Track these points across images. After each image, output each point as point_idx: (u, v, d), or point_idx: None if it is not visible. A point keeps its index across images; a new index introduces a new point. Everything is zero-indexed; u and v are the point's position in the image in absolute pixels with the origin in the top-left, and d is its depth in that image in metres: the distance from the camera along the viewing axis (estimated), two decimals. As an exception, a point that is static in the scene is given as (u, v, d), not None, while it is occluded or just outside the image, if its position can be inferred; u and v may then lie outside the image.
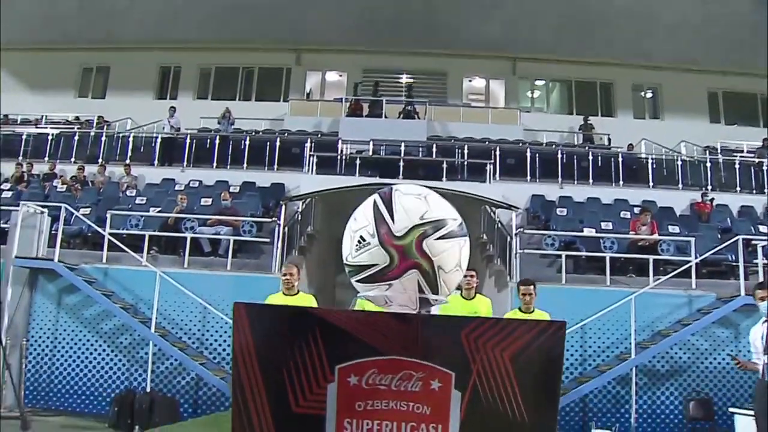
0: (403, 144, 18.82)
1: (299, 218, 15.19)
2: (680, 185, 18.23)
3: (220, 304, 12.17)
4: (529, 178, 18.14)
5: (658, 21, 21.90)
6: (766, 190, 17.91)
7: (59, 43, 23.47)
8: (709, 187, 17.87)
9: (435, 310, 2.22)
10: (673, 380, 11.78)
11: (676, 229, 14.69)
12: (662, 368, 11.80)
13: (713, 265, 13.44)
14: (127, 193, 16.64)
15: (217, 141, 18.93)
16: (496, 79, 24.53)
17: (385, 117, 21.35)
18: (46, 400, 11.96)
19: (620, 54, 22.85)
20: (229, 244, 13.25)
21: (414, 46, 23.16)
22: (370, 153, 18.69)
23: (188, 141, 18.99)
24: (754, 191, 18.15)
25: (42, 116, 21.94)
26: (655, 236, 13.42)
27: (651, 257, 12.74)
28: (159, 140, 19.27)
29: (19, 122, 21.68)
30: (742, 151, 20.66)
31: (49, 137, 19.77)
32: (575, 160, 18.64)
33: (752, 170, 18.62)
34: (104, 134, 20.05)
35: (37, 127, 20.89)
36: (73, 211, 13.74)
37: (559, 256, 13.10)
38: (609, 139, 21.41)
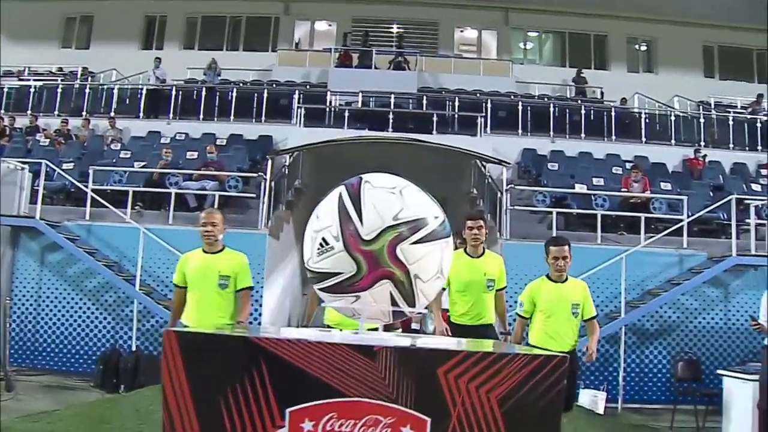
0: (392, 96, 18.48)
1: (286, 172, 14.93)
2: (673, 141, 18.01)
3: (207, 261, 11.96)
4: (520, 131, 17.87)
5: (654, -28, 21.46)
6: (760, 147, 17.72)
7: (41, -8, 22.83)
8: (702, 144, 17.66)
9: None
10: (662, 339, 11.73)
11: (668, 186, 14.52)
12: (651, 327, 11.74)
13: (704, 224, 13.29)
14: (112, 146, 16.27)
15: (204, 93, 18.51)
16: (488, 29, 24.05)
17: (375, 68, 20.93)
18: (30, 360, 11.81)
19: (615, 6, 22.42)
20: (214, 199, 13.01)
21: (405, -6, 22.69)
22: (360, 105, 18.36)
23: (174, 93, 18.57)
24: (747, 148, 17.93)
25: (24, 68, 21.34)
26: (647, 194, 13.26)
27: (643, 215, 12.59)
28: (144, 92, 18.81)
29: (0, 74, 21.13)
30: (735, 107, 20.39)
31: (32, 90, 19.25)
32: (567, 114, 18.37)
33: (745, 127, 18.37)
34: (88, 86, 19.50)
35: (19, 80, 20.36)
36: (55, 167, 13.43)
37: (550, 212, 12.95)
38: (602, 93, 21.11)
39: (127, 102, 19.06)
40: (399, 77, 20.41)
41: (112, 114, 18.04)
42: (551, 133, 17.70)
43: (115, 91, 19.23)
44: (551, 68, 23.24)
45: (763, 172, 16.54)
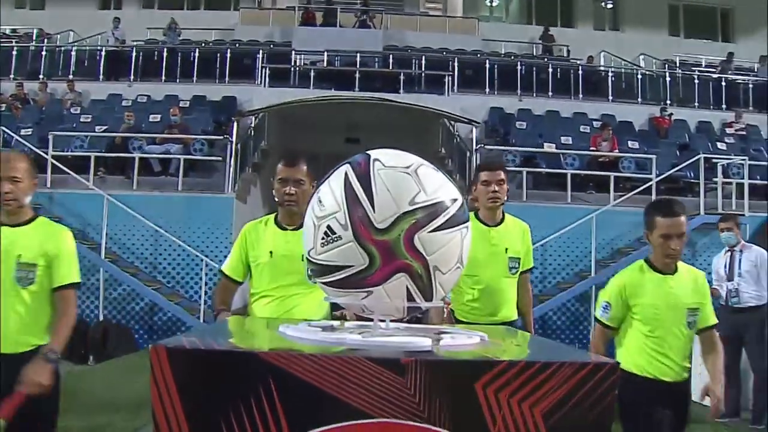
0: (358, 54, 18.21)
1: (252, 134, 14.69)
2: (639, 99, 18.01)
3: (173, 227, 11.79)
4: (487, 90, 17.70)
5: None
6: (724, 105, 17.84)
7: (-8, -52, 21.96)
8: (668, 102, 17.69)
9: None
10: (631, 298, 11.79)
11: (636, 145, 14.57)
12: (621, 286, 11.79)
13: (672, 182, 13.37)
14: (71, 110, 15.84)
15: (165, 53, 18.02)
16: (455, -13, 23.75)
17: (340, 26, 20.59)
18: (-6, 331, 11.50)
19: (582, -37, 22.30)
20: (179, 163, 12.75)
21: (370, -50, 22.23)
22: (325, 64, 18.07)
23: (134, 54, 18.04)
24: (712, 107, 18.00)
25: (-25, 30, 20.60)
26: (616, 153, 13.27)
27: (612, 174, 12.61)
28: (104, 54, 18.25)
29: (-49, 37, 20.35)
30: (700, 66, 20.46)
31: (-16, 53, 18.60)
32: (534, 72, 18.26)
33: (710, 85, 18.43)
34: (45, 48, 18.82)
35: (-28, 42, 19.66)
36: (12, 134, 13.01)
37: (520, 172, 12.91)
38: (568, 51, 21.00)
39: (86, 64, 18.44)
40: (364, 35, 20.08)
41: (71, 77, 17.49)
42: (518, 91, 17.56)
43: (73, 53, 18.60)
44: (517, 26, 23.06)
45: (728, 130, 16.65)
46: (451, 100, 15.82)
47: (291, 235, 3.50)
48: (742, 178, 12.25)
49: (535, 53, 21.07)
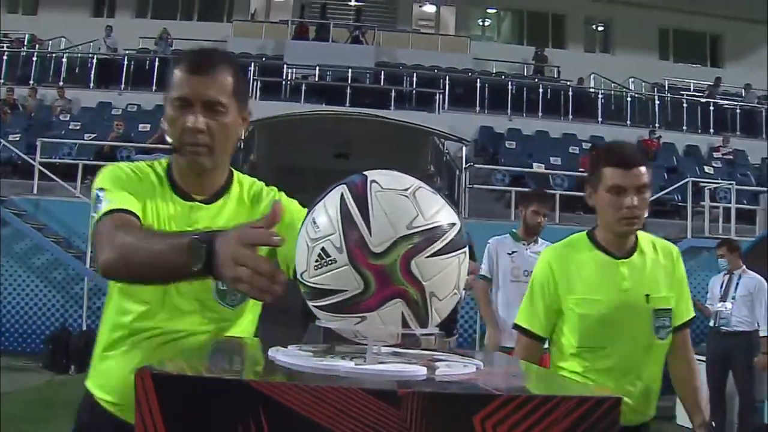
0: (350, 70, 18.26)
1: (241, 146, 14.66)
2: (628, 122, 18.13)
3: (158, 236, 11.69)
4: (477, 108, 17.77)
5: (613, -47, 21.55)
6: (712, 129, 18.00)
7: (-15, -47, 21.90)
8: (656, 125, 17.82)
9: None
10: (616, 319, 11.82)
11: (624, 167, 14.61)
12: (606, 307, 11.81)
13: (659, 205, 13.44)
14: (61, 117, 15.79)
15: (157, 63, 18.00)
16: (447, 5, 23.85)
17: (333, 41, 20.65)
18: (-26, 340, 11.39)
19: (574, -16, 22.49)
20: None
21: (363, -33, 22.39)
22: (317, 79, 18.10)
23: (126, 63, 18.02)
24: (700, 131, 18.16)
25: (-33, 34, 20.52)
26: (605, 174, 13.33)
27: (600, 195, 12.66)
28: (95, 61, 18.22)
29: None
30: (689, 90, 20.65)
31: (-25, 57, 18.52)
32: (524, 92, 18.35)
33: (698, 109, 18.60)
34: (36, 54, 18.82)
35: (-39, 46, 19.58)
36: (0, 139, 12.95)
37: (509, 191, 12.94)
38: (558, 72, 21.13)
39: (77, 71, 18.43)
40: (356, 51, 20.15)
41: (61, 83, 17.45)
42: (509, 111, 17.64)
43: (64, 60, 18.57)
44: (509, 46, 23.15)
45: (716, 154, 16.80)
46: (441, 118, 15.84)
47: (198, 211, 1.94)
48: (729, 203, 12.36)
49: (526, 73, 21.19)
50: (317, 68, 18.22)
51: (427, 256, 1.38)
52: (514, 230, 5.66)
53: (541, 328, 2.68)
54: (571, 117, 17.91)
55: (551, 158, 14.68)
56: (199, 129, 1.85)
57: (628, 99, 18.81)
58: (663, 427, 7.80)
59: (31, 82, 17.60)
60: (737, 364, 7.43)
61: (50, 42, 20.11)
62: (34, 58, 18.51)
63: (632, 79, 20.53)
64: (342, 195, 1.42)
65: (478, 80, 18.39)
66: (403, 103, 17.00)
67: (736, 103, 19.15)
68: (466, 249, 1.49)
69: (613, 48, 23.30)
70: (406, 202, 1.40)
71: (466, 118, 17.02)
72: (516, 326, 2.78)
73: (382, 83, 18.11)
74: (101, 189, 1.79)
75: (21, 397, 6.74)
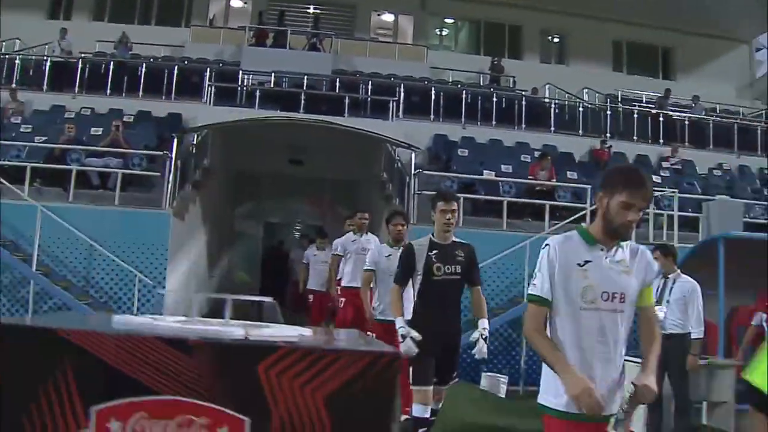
0: (306, 77, 18.25)
1: (193, 151, 14.59)
2: (581, 131, 18.37)
3: (107, 241, 11.59)
4: (432, 117, 17.86)
5: (569, -34, 21.89)
6: (662, 140, 18.33)
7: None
8: (608, 135, 18.09)
9: None
10: (565, 324, 11.95)
11: (575, 175, 14.83)
12: (554, 312, 11.94)
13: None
14: (12, 120, 15.54)
15: (112, 67, 17.81)
16: (405, 14, 24.00)
17: (290, 48, 20.62)
18: None
19: (530, -3, 22.80)
20: (119, 178, 12.63)
21: (322, -24, 22.44)
22: (272, 85, 18.07)
23: (81, 66, 17.78)
24: (650, 141, 18.48)
25: None
26: (553, 182, 13.50)
27: (548, 203, 12.82)
28: (49, 64, 17.97)
29: None
30: (641, 101, 21.00)
31: (-74, 58, 18.15)
32: (479, 101, 18.49)
33: (649, 120, 18.93)
34: (-13, 56, 18.51)
35: None
36: (-52, 142, 12.76)
37: (459, 198, 13.03)
38: (514, 82, 21.35)
39: (31, 74, 18.16)
40: (313, 59, 20.13)
41: (14, 85, 17.18)
42: (463, 119, 17.76)
43: (17, 62, 18.30)
44: (466, 55, 23.37)
45: (664, 164, 17.09)
46: (394, 126, 15.89)
47: None
48: (673, 210, 12.61)
49: (482, 83, 21.36)
50: (273, 75, 18.18)
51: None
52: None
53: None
54: (524, 126, 18.09)
55: (502, 166, 14.80)
56: None
57: (581, 109, 19.04)
58: None
59: (-17, 84, 17.31)
60: (671, 366, 7.54)
61: (3, 43, 19.81)
62: (-14, 60, 18.19)
63: (586, 90, 20.82)
64: None
65: (433, 89, 18.47)
66: (357, 111, 17.01)
67: (684, 114, 19.51)
68: None
69: (567, 59, 23.65)
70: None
71: (421, 126, 17.10)
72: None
73: (337, 91, 18.13)
74: None
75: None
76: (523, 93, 19.51)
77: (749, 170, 18.02)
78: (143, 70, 17.82)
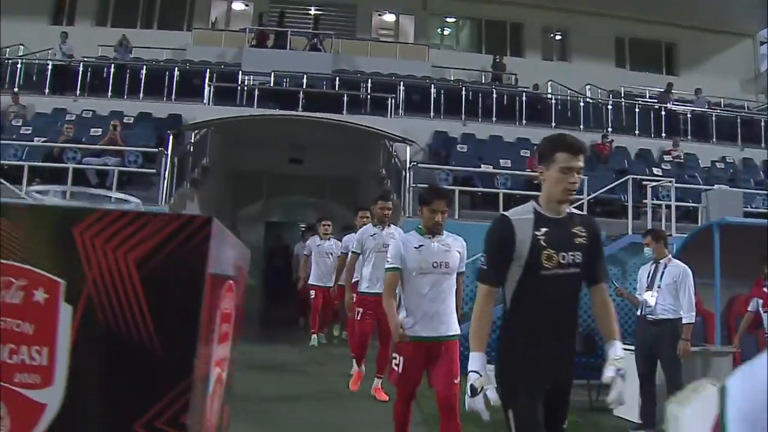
0: (305, 76, 18.25)
1: (191, 149, 14.60)
2: (582, 127, 18.26)
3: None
4: (432, 114, 17.83)
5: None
6: (664, 134, 18.22)
7: (-60, -42, 21.69)
8: (610, 130, 17.99)
9: None
10: (558, 315, 11.86)
11: (575, 169, 14.72)
12: (550, 303, 11.86)
13: (608, 205, 13.62)
14: (13, 122, 15.63)
15: (113, 70, 17.88)
16: (407, 14, 23.98)
17: (291, 49, 20.63)
18: None
19: (532, -6, 22.76)
20: (115, 176, 12.67)
21: (323, -24, 22.46)
22: (272, 84, 18.07)
23: (82, 69, 17.87)
24: (652, 135, 18.38)
25: (-77, 39, 20.27)
26: (550, 174, 13.42)
27: (544, 194, 12.75)
28: (50, 68, 18.07)
29: None
30: (644, 97, 20.90)
31: (-69, 62, 18.29)
32: (480, 98, 18.43)
33: (651, 115, 18.82)
34: (-8, 61, 18.61)
35: None
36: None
37: (452, 191, 12.98)
38: (516, 79, 21.30)
39: (34, 78, 18.26)
40: (314, 58, 20.13)
41: (16, 89, 17.27)
42: (463, 116, 17.71)
43: (20, 66, 18.38)
44: (468, 54, 23.29)
45: (666, 157, 16.99)
46: (393, 122, 15.88)
47: None
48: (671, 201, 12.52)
49: (484, 81, 21.31)
50: (273, 75, 18.20)
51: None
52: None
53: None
54: (525, 122, 18.01)
55: (501, 160, 14.74)
56: None
57: (582, 105, 18.95)
58: (600, 419, 7.83)
59: (-16, 89, 17.42)
60: (663, 351, 7.43)
61: (7, 49, 19.92)
62: (-11, 66, 18.30)
63: (589, 87, 20.73)
64: None
65: (433, 86, 18.43)
66: (357, 109, 17.00)
67: (686, 108, 19.39)
68: None
69: (570, 56, 23.54)
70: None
71: (421, 122, 17.07)
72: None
73: (337, 90, 18.11)
74: None
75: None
76: (524, 90, 19.42)
77: (753, 162, 17.89)
78: (144, 72, 17.87)
